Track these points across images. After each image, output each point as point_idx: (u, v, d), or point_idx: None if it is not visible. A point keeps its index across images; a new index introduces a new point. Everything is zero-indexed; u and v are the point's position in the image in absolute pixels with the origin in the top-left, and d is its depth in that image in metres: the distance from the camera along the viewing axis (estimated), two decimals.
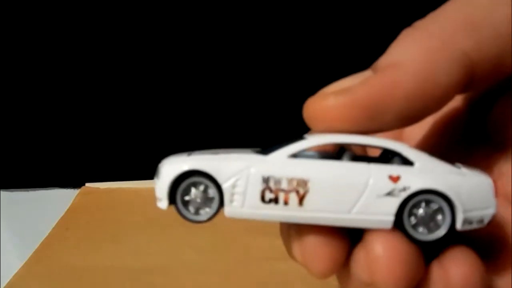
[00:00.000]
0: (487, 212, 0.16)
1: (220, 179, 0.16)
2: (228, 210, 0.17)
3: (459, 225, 0.16)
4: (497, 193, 0.17)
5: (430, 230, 0.16)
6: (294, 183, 0.16)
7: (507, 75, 0.16)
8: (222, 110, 0.49)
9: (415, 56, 0.15)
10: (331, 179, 0.16)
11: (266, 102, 0.47)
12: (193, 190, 0.17)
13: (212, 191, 0.17)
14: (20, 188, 0.53)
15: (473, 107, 0.19)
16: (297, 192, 0.16)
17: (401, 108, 0.15)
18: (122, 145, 0.52)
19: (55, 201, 0.49)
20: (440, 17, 0.16)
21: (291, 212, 0.16)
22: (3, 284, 0.36)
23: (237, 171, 0.16)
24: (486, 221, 0.16)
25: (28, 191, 0.53)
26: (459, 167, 0.17)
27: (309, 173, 0.16)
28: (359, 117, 0.16)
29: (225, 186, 0.16)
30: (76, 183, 0.51)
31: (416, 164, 0.17)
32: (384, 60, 0.16)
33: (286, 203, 0.16)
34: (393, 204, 0.16)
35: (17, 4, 0.46)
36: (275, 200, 0.16)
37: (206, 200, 0.17)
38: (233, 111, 0.48)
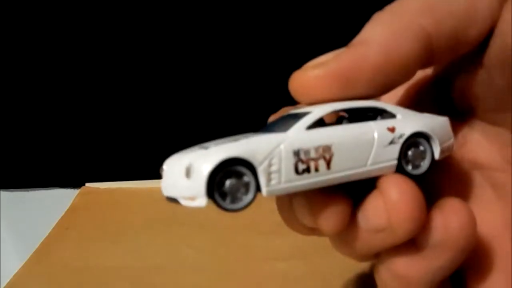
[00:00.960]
0: (450, 142, 0.20)
1: (255, 163, 0.17)
2: (266, 190, 0.17)
3: (437, 156, 0.19)
4: (463, 158, 0.21)
5: (418, 166, 0.19)
6: (321, 150, 0.18)
7: (464, 50, 0.18)
8: (221, 106, 0.49)
9: (380, 33, 0.17)
10: (349, 140, 0.18)
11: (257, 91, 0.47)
12: (228, 179, 0.17)
13: (247, 177, 0.17)
14: (20, 188, 0.53)
15: (440, 80, 0.22)
16: (324, 157, 0.18)
17: (369, 78, 0.18)
18: (122, 145, 0.52)
19: (55, 201, 0.49)
20: (405, 0, 0.18)
21: (322, 177, 0.18)
22: (3, 284, 0.36)
23: (269, 151, 0.17)
24: (451, 149, 0.20)
25: (28, 191, 0.53)
26: (425, 114, 0.20)
27: (330, 139, 0.18)
28: (334, 87, 0.18)
29: (260, 168, 0.17)
30: (76, 183, 0.51)
31: (398, 116, 0.20)
32: (356, 39, 0.18)
33: (316, 169, 0.18)
34: (395, 150, 0.19)
35: (17, 4, 0.46)
36: (307, 170, 0.18)
37: (242, 187, 0.17)
38: (232, 110, 0.48)
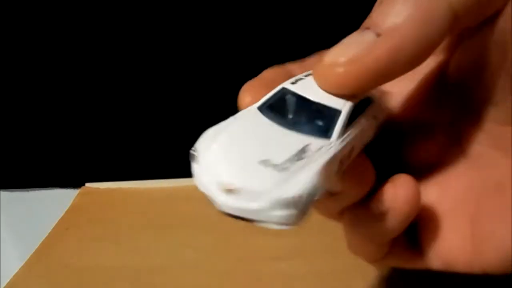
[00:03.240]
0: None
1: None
2: None
3: None
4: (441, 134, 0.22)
5: None
6: (349, 153, 0.19)
7: (484, 17, 0.18)
8: (221, 106, 0.49)
9: (411, 17, 0.16)
10: (360, 137, 0.20)
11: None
12: None
13: None
14: (20, 188, 0.53)
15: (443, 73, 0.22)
16: (350, 157, 0.19)
17: (401, 69, 0.17)
18: (122, 145, 0.52)
19: (55, 201, 0.49)
20: None
21: None
22: (3, 284, 0.36)
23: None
24: None
25: (28, 191, 0.53)
26: None
27: (354, 141, 0.19)
28: (367, 83, 0.17)
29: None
30: (76, 183, 0.51)
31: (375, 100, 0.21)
32: (384, 21, 0.17)
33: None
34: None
35: (17, 4, 0.46)
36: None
37: None
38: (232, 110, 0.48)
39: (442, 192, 0.22)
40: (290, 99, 0.19)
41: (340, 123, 0.18)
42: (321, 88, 0.18)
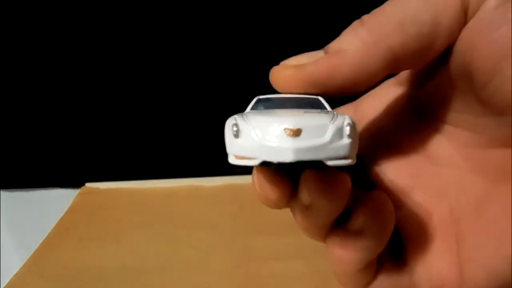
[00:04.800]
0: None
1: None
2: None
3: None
4: (423, 154, 0.22)
5: None
6: None
7: (426, 62, 0.21)
8: (220, 107, 0.49)
9: (355, 46, 0.20)
10: None
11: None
12: None
13: None
14: (20, 188, 0.53)
15: (410, 85, 0.24)
16: None
17: (339, 85, 0.20)
18: (122, 145, 0.52)
19: (55, 201, 0.49)
20: (380, 15, 0.20)
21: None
22: (3, 284, 0.36)
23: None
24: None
25: (28, 191, 0.53)
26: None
27: None
28: (307, 88, 0.21)
29: None
30: (76, 183, 0.51)
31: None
32: (334, 45, 0.20)
33: None
34: None
35: (17, 4, 0.46)
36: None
37: None
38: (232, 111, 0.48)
39: (425, 215, 0.23)
40: (273, 100, 0.21)
41: (325, 103, 0.20)
42: (273, 85, 0.21)
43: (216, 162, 0.35)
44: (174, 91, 0.50)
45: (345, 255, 0.22)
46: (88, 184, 0.51)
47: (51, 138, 0.52)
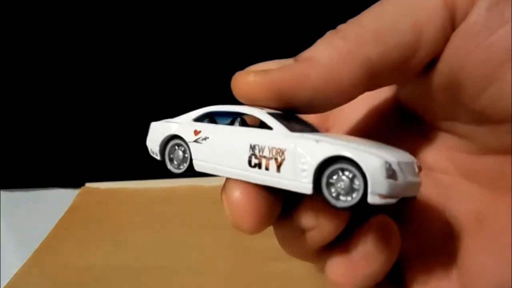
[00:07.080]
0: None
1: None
2: (371, 198, 0.16)
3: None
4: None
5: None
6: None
7: (407, 75, 0.19)
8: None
9: (328, 55, 0.18)
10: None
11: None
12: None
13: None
14: (20, 188, 0.53)
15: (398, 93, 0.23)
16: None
17: (307, 97, 0.18)
18: (122, 145, 0.52)
19: (55, 201, 0.49)
20: (356, 25, 0.18)
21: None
22: (3, 284, 0.36)
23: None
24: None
25: (28, 191, 0.53)
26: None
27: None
28: (272, 97, 0.18)
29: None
30: (76, 183, 0.51)
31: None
32: (305, 54, 0.18)
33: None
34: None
35: (17, 4, 0.46)
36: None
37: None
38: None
39: (421, 231, 0.21)
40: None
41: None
42: (234, 93, 0.19)
43: None
44: (174, 91, 0.50)
45: (349, 281, 0.20)
46: (88, 184, 0.51)
47: (51, 138, 0.52)
